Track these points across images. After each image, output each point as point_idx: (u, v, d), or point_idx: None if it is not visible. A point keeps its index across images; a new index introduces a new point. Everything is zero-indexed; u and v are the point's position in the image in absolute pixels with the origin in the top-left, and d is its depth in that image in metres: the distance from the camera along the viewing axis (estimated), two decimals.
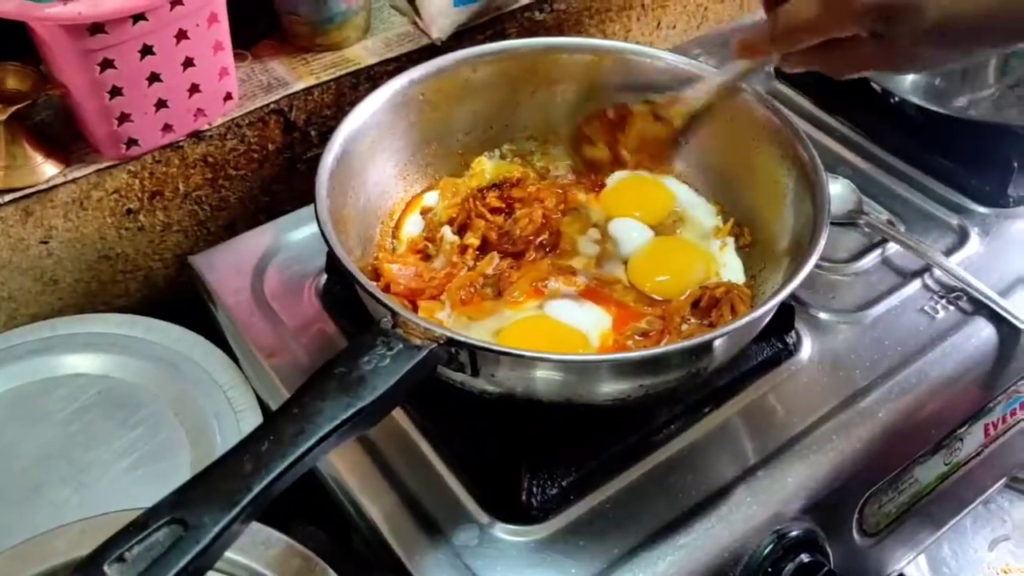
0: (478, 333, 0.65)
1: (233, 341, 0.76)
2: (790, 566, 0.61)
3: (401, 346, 0.52)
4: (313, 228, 0.78)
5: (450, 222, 0.75)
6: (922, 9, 0.53)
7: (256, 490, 0.45)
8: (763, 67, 0.64)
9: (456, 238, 0.73)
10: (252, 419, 0.71)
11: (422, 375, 0.53)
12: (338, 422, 0.48)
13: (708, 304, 0.67)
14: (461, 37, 0.92)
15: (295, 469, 0.47)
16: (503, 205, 0.76)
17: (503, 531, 0.60)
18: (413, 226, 0.76)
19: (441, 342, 0.53)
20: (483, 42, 0.79)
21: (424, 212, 0.76)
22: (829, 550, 0.64)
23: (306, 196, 0.81)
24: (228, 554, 0.52)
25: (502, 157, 0.80)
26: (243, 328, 0.73)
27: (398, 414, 0.66)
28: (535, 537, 0.60)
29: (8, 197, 0.74)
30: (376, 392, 0.50)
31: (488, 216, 0.74)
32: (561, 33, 1.00)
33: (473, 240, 0.73)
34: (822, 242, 0.60)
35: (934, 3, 0.53)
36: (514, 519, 0.60)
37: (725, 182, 0.76)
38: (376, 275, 0.69)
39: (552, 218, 0.74)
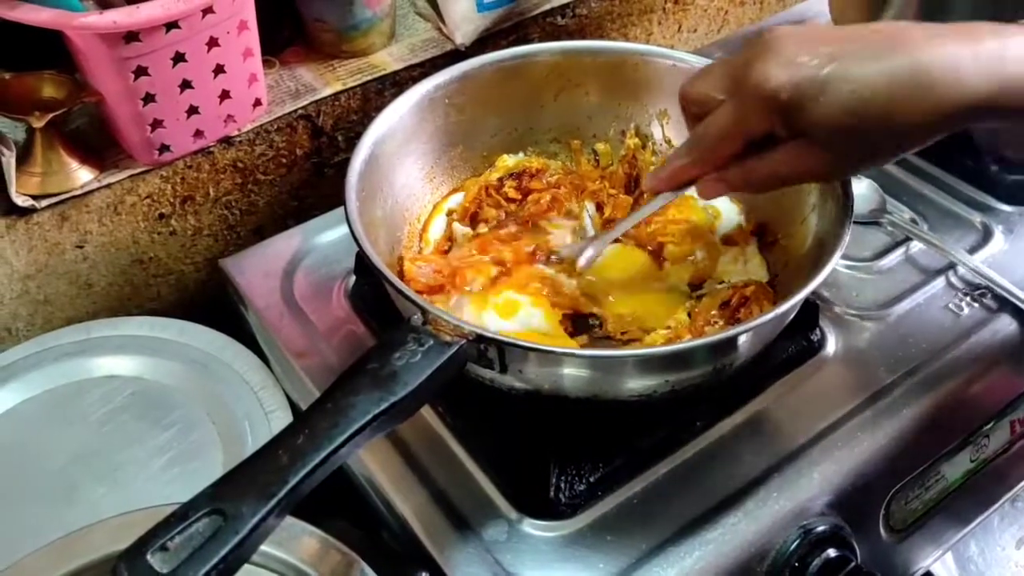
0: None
1: (263, 343, 0.77)
2: (817, 561, 0.61)
3: (432, 342, 0.53)
4: (341, 231, 0.80)
5: (464, 213, 0.76)
6: (828, 87, 0.51)
7: (292, 482, 0.46)
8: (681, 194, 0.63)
9: (468, 230, 0.74)
10: (282, 419, 0.72)
11: (452, 371, 0.53)
12: (371, 416, 0.49)
13: (738, 303, 0.68)
14: (485, 42, 0.93)
15: (330, 462, 0.48)
16: (519, 196, 0.77)
17: (532, 526, 0.61)
18: (439, 228, 0.77)
19: (471, 338, 0.54)
20: (506, 47, 0.79)
21: (450, 214, 0.77)
22: (856, 546, 0.64)
23: (333, 200, 0.84)
24: (265, 548, 0.53)
25: (526, 157, 0.81)
26: (273, 330, 0.74)
27: (428, 413, 0.67)
28: (563, 532, 0.60)
29: (45, 203, 0.75)
30: (408, 387, 0.51)
31: (503, 202, 0.75)
32: (583, 37, 1.01)
33: (484, 229, 0.74)
34: (846, 240, 0.61)
35: (841, 80, 0.50)
36: (542, 515, 0.61)
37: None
38: (402, 275, 0.70)
39: (564, 202, 0.75)
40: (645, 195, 0.77)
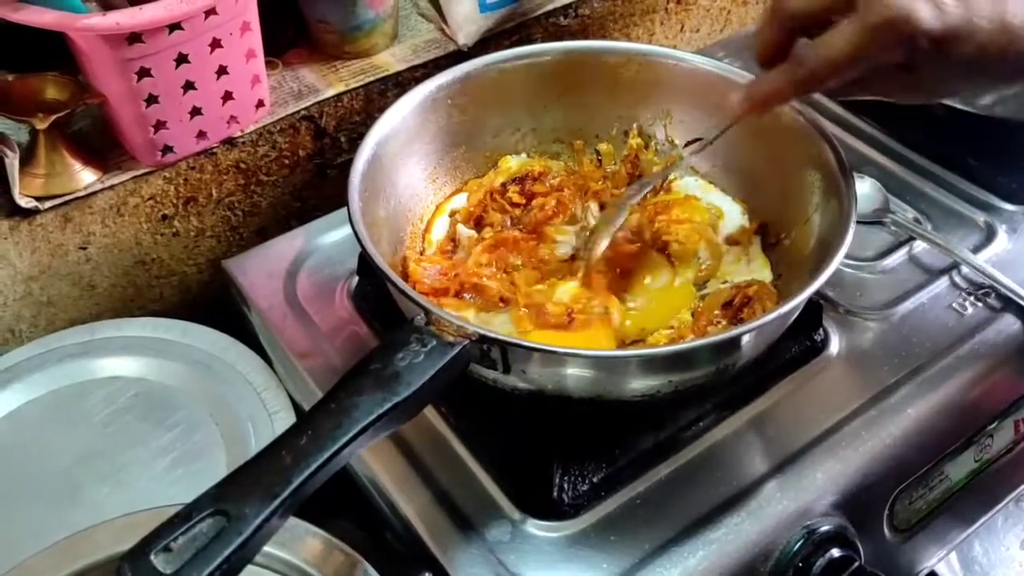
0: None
1: (266, 343, 0.77)
2: (821, 561, 0.61)
3: (435, 343, 0.53)
4: (344, 232, 0.80)
5: (469, 217, 0.76)
6: (961, 39, 0.51)
7: (295, 483, 0.46)
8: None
9: (473, 232, 0.74)
10: (286, 420, 0.72)
11: (455, 371, 0.53)
12: (374, 417, 0.49)
13: (740, 303, 0.68)
14: (487, 43, 0.93)
15: (333, 463, 0.48)
16: (523, 200, 0.77)
17: (535, 527, 0.61)
18: (442, 228, 0.77)
19: (473, 339, 0.54)
20: (509, 47, 0.80)
21: (452, 215, 0.77)
22: (860, 546, 0.64)
23: (336, 201, 0.84)
24: (268, 548, 0.53)
25: (529, 158, 0.81)
26: (276, 331, 0.74)
27: (431, 413, 0.67)
28: (566, 532, 0.60)
29: (48, 204, 0.76)
30: (411, 388, 0.51)
31: (507, 207, 0.75)
32: (586, 38, 1.01)
33: (490, 234, 0.74)
34: (848, 240, 0.61)
35: (973, 34, 0.51)
36: (546, 515, 0.61)
37: (752, 182, 0.76)
38: (405, 276, 0.70)
39: (568, 205, 0.75)
40: (649, 197, 0.77)
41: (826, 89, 0.57)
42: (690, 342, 0.64)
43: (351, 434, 0.48)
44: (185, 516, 0.44)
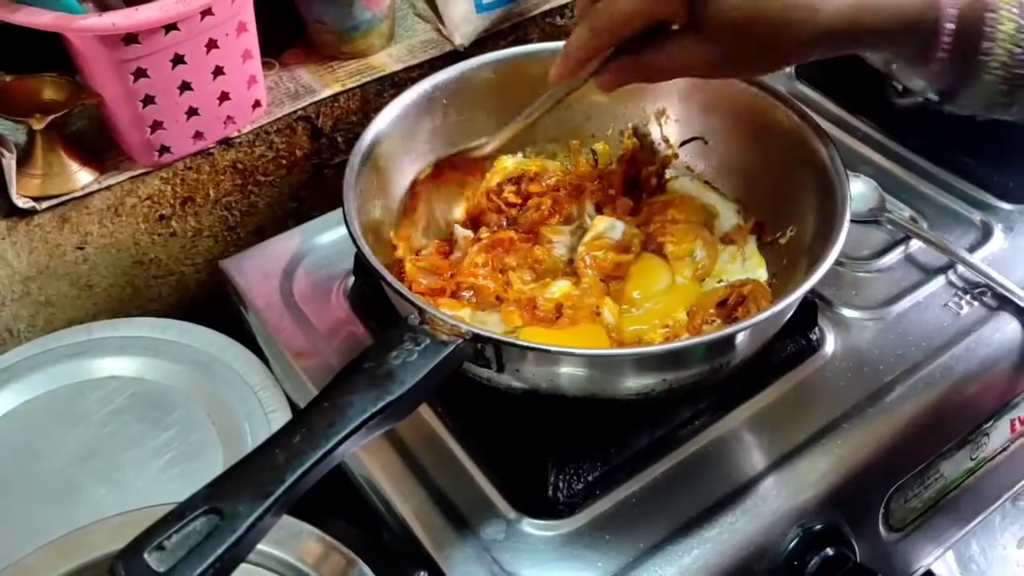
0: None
1: (263, 343, 0.77)
2: (816, 559, 0.61)
3: (428, 342, 0.53)
4: (340, 232, 0.80)
5: (464, 217, 0.76)
6: None
7: (289, 481, 0.46)
8: (574, 82, 0.62)
9: (469, 233, 0.74)
10: (283, 419, 0.72)
11: (449, 370, 0.54)
12: (368, 415, 0.49)
13: (735, 302, 0.68)
14: (484, 43, 0.93)
15: (326, 461, 0.48)
16: (519, 200, 0.77)
17: (530, 525, 0.61)
18: None
19: (467, 338, 0.54)
20: (505, 47, 0.80)
21: None
22: (855, 544, 0.64)
23: (333, 201, 0.83)
24: (262, 547, 0.53)
25: (525, 158, 0.81)
26: (273, 330, 0.74)
27: (425, 412, 0.67)
28: (561, 531, 0.60)
29: (45, 204, 0.76)
30: (404, 387, 0.51)
31: (503, 207, 0.75)
32: None
33: (486, 234, 0.74)
34: (842, 238, 0.61)
35: None
36: (540, 514, 0.61)
37: (747, 180, 0.76)
38: (401, 276, 0.70)
39: (564, 205, 0.75)
40: (645, 196, 0.77)
41: (635, 68, 0.59)
42: (684, 341, 0.64)
43: (345, 432, 0.48)
44: (178, 514, 0.44)
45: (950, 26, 0.53)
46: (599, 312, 0.67)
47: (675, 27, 0.57)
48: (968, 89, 0.56)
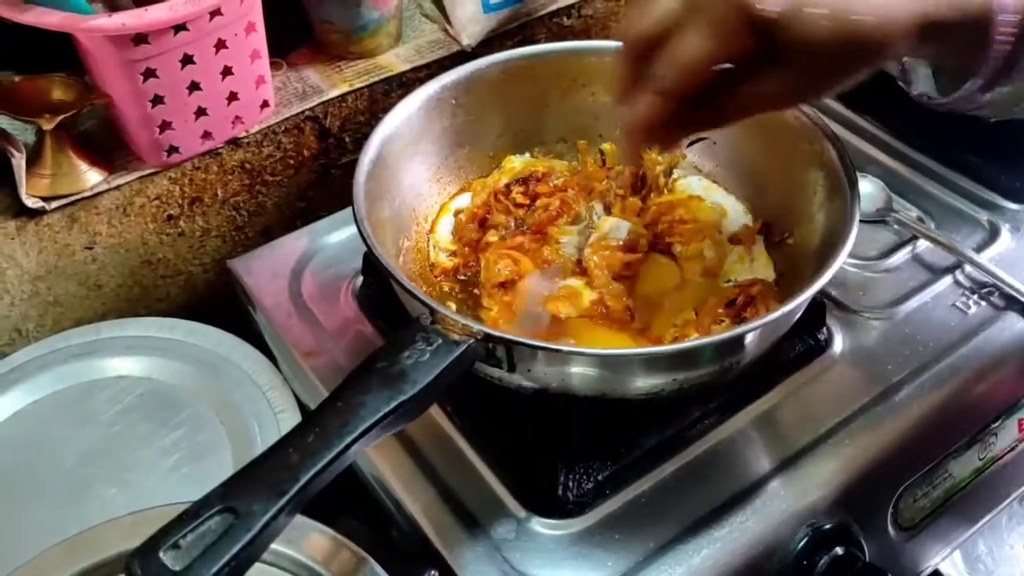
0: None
1: (272, 343, 0.77)
2: (825, 559, 0.61)
3: (440, 341, 0.53)
4: (348, 232, 0.81)
5: (473, 217, 0.76)
6: (801, 16, 0.48)
7: (303, 480, 0.46)
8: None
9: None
10: (291, 419, 0.72)
11: (461, 370, 0.54)
12: (380, 415, 0.49)
13: (744, 302, 0.68)
14: (491, 43, 0.93)
15: (339, 461, 0.48)
16: (527, 201, 0.77)
17: (540, 525, 0.61)
18: (446, 228, 0.77)
19: (479, 337, 0.54)
20: (513, 47, 0.80)
21: (457, 214, 0.78)
22: (864, 544, 0.64)
23: (341, 201, 0.84)
24: (274, 546, 0.53)
25: (533, 158, 0.81)
26: (282, 330, 0.74)
27: (436, 412, 0.67)
28: (571, 531, 0.61)
29: (54, 204, 0.76)
30: (417, 386, 0.51)
31: (511, 208, 0.75)
32: (589, 38, 1.01)
33: (493, 236, 0.74)
34: (852, 239, 0.61)
35: (810, 8, 0.48)
36: (550, 513, 0.61)
37: (755, 181, 0.77)
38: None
39: (572, 205, 0.75)
40: (653, 196, 0.77)
41: (708, 117, 0.55)
42: (694, 341, 0.64)
43: (358, 432, 0.48)
44: (193, 513, 0.44)
45: (1010, 18, 0.51)
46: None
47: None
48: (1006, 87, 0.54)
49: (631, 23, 0.54)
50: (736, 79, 0.52)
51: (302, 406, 0.74)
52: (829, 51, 0.50)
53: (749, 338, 0.60)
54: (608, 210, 0.77)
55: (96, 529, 0.57)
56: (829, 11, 0.49)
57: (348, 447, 0.48)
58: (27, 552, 0.57)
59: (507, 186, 0.77)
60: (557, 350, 0.56)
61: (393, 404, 0.50)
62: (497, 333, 0.55)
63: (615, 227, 0.74)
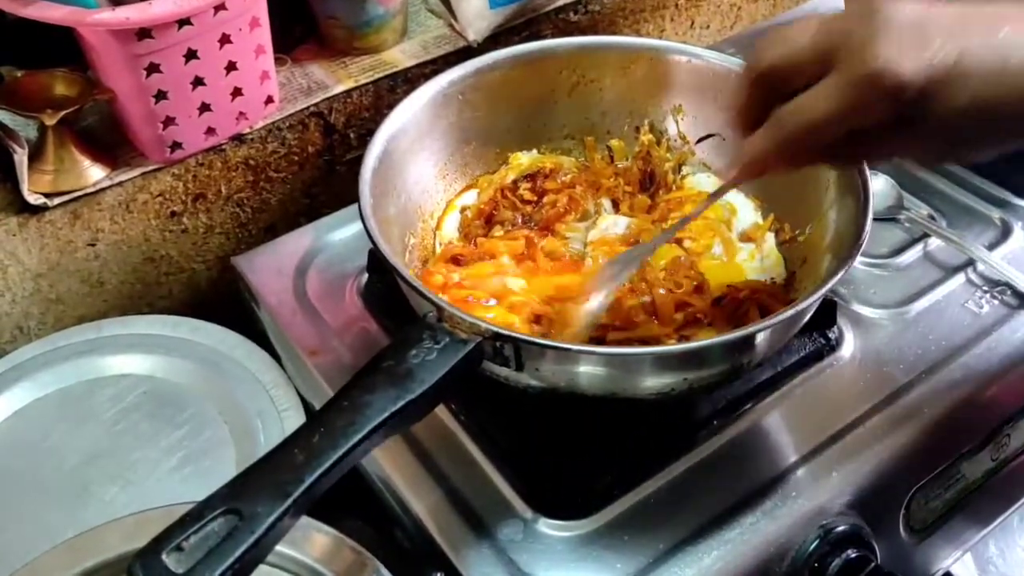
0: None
1: (276, 341, 0.77)
2: (837, 561, 0.61)
3: (448, 340, 0.52)
4: (353, 229, 0.80)
5: (479, 214, 0.75)
6: (960, 79, 0.46)
7: (308, 481, 0.46)
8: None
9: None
10: (295, 418, 0.71)
11: (468, 369, 0.53)
12: (387, 414, 0.49)
13: (734, 305, 0.67)
14: (497, 39, 0.92)
15: (346, 461, 0.47)
16: (534, 197, 0.76)
17: (547, 526, 0.60)
18: (452, 225, 0.76)
19: (487, 336, 0.53)
20: (519, 43, 0.79)
21: (463, 211, 0.77)
22: (876, 546, 0.63)
23: (345, 198, 0.83)
24: (278, 547, 0.52)
25: (540, 155, 0.81)
26: (286, 328, 0.74)
27: (442, 411, 0.66)
28: (579, 532, 0.60)
29: (57, 200, 0.75)
30: (424, 385, 0.50)
31: (518, 204, 0.74)
32: (595, 34, 1.01)
33: (500, 231, 0.74)
34: (866, 235, 0.60)
35: (975, 69, 0.46)
36: (558, 514, 0.60)
37: (766, 178, 0.75)
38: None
39: (580, 202, 0.74)
40: (661, 193, 0.77)
41: (823, 156, 0.54)
42: (704, 340, 0.63)
43: (364, 432, 0.48)
44: (197, 515, 0.44)
45: None
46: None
47: None
48: None
49: (768, 51, 0.51)
50: (863, 136, 0.50)
51: (306, 405, 0.73)
52: (977, 122, 0.48)
53: (760, 338, 0.59)
54: (617, 207, 0.76)
55: (98, 530, 0.57)
56: (981, 80, 0.46)
57: (354, 447, 0.47)
58: (28, 552, 0.57)
59: (514, 182, 0.77)
60: (566, 349, 0.56)
61: (400, 404, 0.49)
62: (506, 332, 0.54)
63: (613, 223, 0.73)
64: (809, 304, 0.58)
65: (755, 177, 0.57)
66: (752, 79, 0.52)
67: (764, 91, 0.52)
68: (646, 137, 0.80)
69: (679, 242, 0.72)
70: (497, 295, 0.66)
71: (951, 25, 0.47)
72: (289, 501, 0.45)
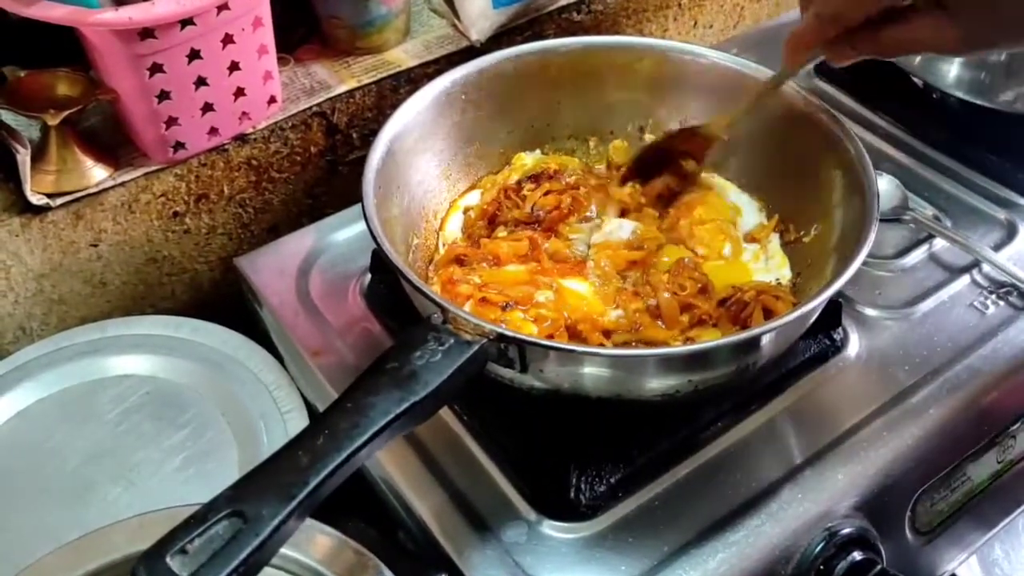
0: None
1: (278, 341, 0.76)
2: (842, 564, 0.60)
3: (452, 341, 0.52)
4: (356, 229, 0.80)
5: (483, 215, 0.75)
6: None
7: (312, 483, 0.45)
8: (801, 69, 0.64)
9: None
10: (298, 419, 0.71)
11: (473, 370, 0.53)
12: (391, 416, 0.48)
13: (739, 307, 0.66)
14: (500, 39, 0.92)
15: (350, 463, 0.47)
16: (538, 198, 0.75)
17: (551, 528, 0.60)
18: (456, 225, 0.76)
19: (491, 337, 0.53)
20: (522, 43, 0.79)
21: (466, 211, 0.77)
22: (882, 548, 0.63)
23: (348, 198, 0.83)
24: (282, 549, 0.52)
25: (544, 155, 0.81)
26: (288, 328, 0.73)
27: (446, 413, 0.66)
28: (584, 534, 0.60)
29: (59, 201, 0.75)
30: (428, 387, 0.50)
31: (521, 204, 0.74)
32: (598, 34, 1.00)
33: (503, 232, 0.73)
34: (871, 239, 0.60)
35: None
36: (562, 516, 0.60)
37: (771, 178, 0.75)
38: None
39: (584, 203, 0.74)
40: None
41: (861, 41, 0.58)
42: (709, 342, 0.63)
43: (368, 434, 0.47)
44: (201, 517, 0.44)
45: None
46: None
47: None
48: None
49: None
50: (904, 17, 0.55)
51: (309, 406, 0.73)
52: (994, 11, 0.52)
53: (765, 339, 0.59)
54: (624, 215, 0.75)
55: (102, 531, 0.56)
56: None
57: (359, 450, 0.47)
58: (31, 552, 0.57)
59: (518, 183, 0.76)
60: (571, 350, 0.55)
61: (404, 406, 0.49)
62: (510, 333, 0.54)
63: (618, 226, 0.73)
64: (815, 305, 0.58)
65: (799, 63, 0.64)
66: None
67: None
68: (650, 137, 0.79)
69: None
70: (522, 302, 0.66)
71: None
72: (293, 504, 0.45)
